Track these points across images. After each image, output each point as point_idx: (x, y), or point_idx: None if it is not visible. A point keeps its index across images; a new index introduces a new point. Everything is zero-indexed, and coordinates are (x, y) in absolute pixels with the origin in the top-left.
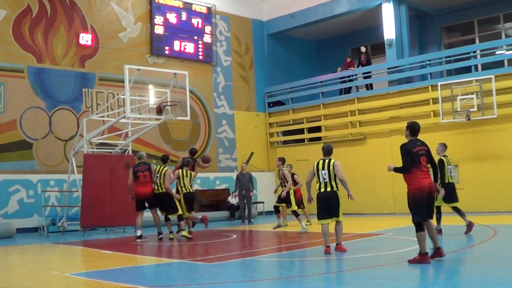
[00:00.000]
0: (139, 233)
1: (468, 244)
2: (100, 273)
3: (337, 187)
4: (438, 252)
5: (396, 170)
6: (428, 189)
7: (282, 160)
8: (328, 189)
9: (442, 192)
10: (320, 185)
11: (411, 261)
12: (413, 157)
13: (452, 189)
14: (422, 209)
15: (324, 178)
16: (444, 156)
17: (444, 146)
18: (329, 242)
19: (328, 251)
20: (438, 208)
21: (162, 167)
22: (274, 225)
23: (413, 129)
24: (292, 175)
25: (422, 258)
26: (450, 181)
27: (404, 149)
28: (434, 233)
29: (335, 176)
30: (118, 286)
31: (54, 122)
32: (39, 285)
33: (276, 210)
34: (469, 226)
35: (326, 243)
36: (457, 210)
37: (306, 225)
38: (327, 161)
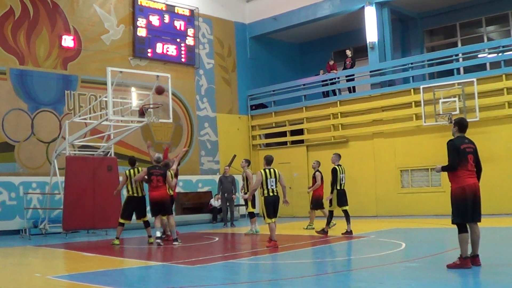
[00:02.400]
0: (158, 234)
1: (451, 247)
2: (82, 275)
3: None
4: (474, 260)
5: (443, 168)
6: (472, 189)
7: (248, 162)
8: (275, 193)
9: (330, 196)
10: (268, 191)
11: (450, 266)
12: (460, 154)
13: (343, 194)
14: (463, 210)
15: (272, 185)
16: (338, 165)
17: (338, 156)
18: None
19: (277, 245)
20: (331, 212)
21: (136, 169)
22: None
23: (461, 125)
24: (315, 172)
25: (462, 263)
26: (342, 187)
27: (451, 145)
28: (475, 238)
29: (278, 183)
30: None
31: (36, 124)
32: (21, 287)
33: (251, 215)
34: (349, 232)
35: (274, 237)
36: (346, 214)
37: (309, 227)
38: (272, 170)
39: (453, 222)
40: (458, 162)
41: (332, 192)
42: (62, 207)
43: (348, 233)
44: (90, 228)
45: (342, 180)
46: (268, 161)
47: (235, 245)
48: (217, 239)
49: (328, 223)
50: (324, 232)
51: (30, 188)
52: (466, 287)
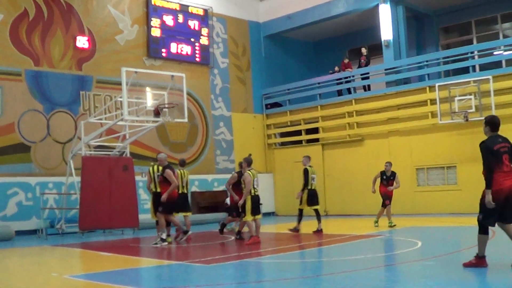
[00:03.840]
0: (165, 236)
1: (468, 245)
2: (99, 275)
3: None
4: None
5: (484, 174)
6: (506, 192)
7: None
8: (258, 193)
9: (301, 194)
10: (254, 190)
11: (466, 265)
12: (494, 155)
13: (314, 194)
14: (490, 213)
15: (255, 185)
16: (309, 166)
17: (309, 158)
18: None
19: (258, 240)
20: (301, 210)
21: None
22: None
23: (493, 124)
24: (393, 173)
25: (478, 262)
26: (313, 187)
27: (484, 147)
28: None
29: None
30: None
31: (52, 125)
32: (38, 287)
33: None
34: (320, 231)
35: (253, 233)
36: (317, 213)
37: (392, 225)
38: (254, 171)
39: (478, 220)
40: (494, 165)
41: (303, 191)
42: (79, 207)
43: (319, 231)
44: (106, 227)
45: (313, 181)
46: (249, 162)
47: (250, 243)
48: (232, 238)
49: (299, 221)
50: (296, 230)
51: (46, 189)
52: (482, 286)
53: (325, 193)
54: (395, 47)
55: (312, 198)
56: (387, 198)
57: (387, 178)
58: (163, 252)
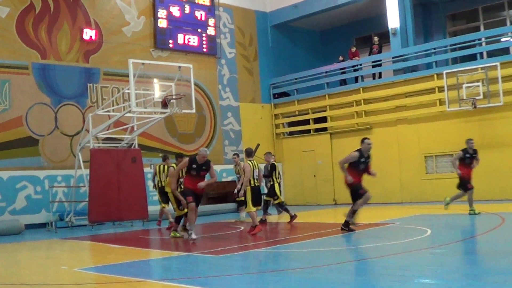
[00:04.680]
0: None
1: (477, 232)
2: (109, 267)
3: None
4: None
5: None
6: None
7: (238, 155)
8: (258, 184)
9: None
10: (254, 181)
11: None
12: None
13: (278, 187)
14: None
15: (256, 176)
16: (274, 161)
17: (270, 153)
18: None
19: (261, 228)
20: (267, 201)
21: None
22: (284, 217)
23: None
24: (475, 150)
25: None
26: (278, 181)
27: None
28: None
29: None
30: (127, 280)
31: (60, 118)
32: (48, 280)
33: (241, 204)
34: (263, 222)
35: (256, 223)
36: (266, 204)
37: (475, 212)
38: (254, 162)
39: None
40: None
41: (274, 184)
42: (88, 199)
43: (264, 221)
44: (115, 220)
45: (279, 173)
46: (249, 153)
47: (260, 234)
48: (242, 228)
49: (288, 211)
50: (293, 217)
51: (55, 182)
52: (492, 272)
53: (334, 182)
54: (402, 35)
55: (273, 190)
56: (469, 182)
57: (471, 157)
58: (172, 243)
